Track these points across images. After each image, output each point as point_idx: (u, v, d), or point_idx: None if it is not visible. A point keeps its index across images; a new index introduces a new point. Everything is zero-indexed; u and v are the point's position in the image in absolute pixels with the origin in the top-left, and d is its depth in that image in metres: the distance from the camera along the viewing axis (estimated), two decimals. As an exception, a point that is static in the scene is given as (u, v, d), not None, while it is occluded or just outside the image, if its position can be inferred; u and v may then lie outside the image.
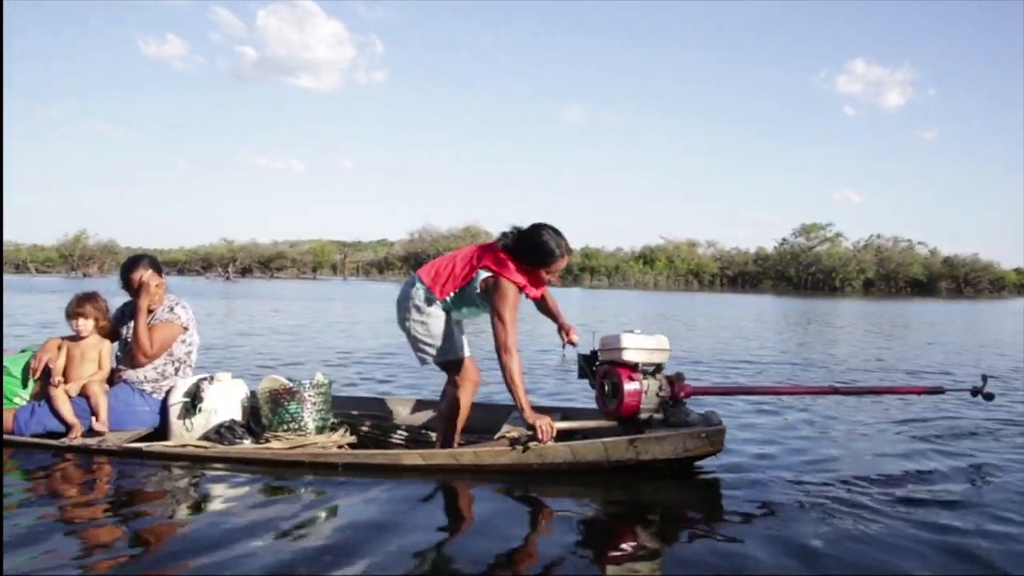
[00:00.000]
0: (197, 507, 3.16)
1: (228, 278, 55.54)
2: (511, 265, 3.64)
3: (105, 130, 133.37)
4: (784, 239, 74.32)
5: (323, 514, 3.09)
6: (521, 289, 3.70)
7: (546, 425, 3.51)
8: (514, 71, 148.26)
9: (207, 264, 66.73)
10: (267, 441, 3.84)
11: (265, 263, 70.68)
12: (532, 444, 3.55)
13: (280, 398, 3.95)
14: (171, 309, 4.21)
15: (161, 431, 4.09)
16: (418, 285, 3.80)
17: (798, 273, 70.64)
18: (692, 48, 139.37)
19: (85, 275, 52.00)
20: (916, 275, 68.35)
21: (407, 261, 68.91)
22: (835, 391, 4.49)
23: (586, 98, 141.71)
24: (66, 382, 4.06)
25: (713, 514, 3.27)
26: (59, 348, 4.16)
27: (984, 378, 4.42)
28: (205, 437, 3.90)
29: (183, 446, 3.82)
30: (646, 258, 75.89)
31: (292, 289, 37.27)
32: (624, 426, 3.80)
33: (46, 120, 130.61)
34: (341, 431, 4.04)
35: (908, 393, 4.93)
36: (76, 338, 4.18)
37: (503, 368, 3.51)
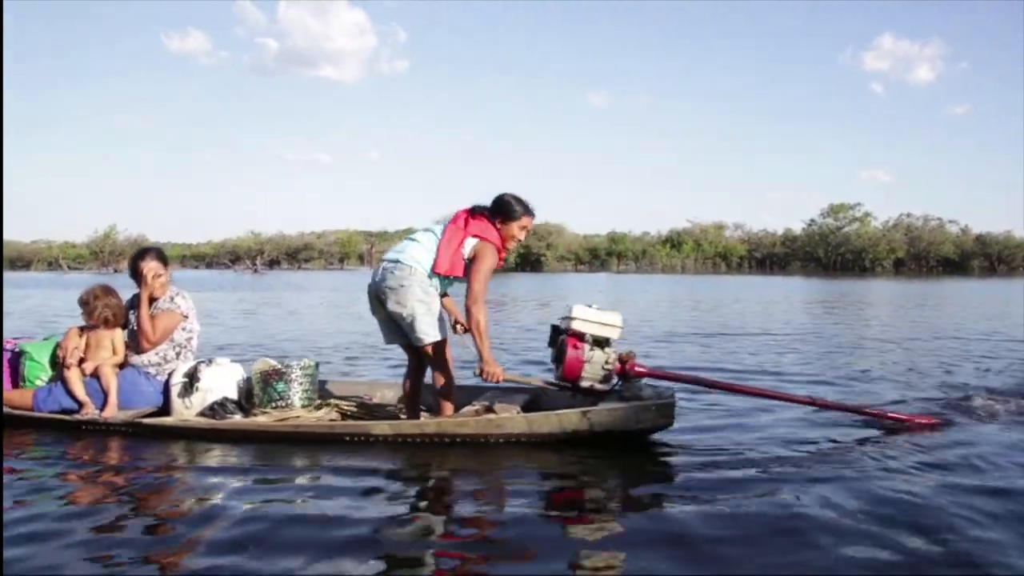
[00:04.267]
0: (189, 475, 3.54)
1: (256, 270, 56.57)
2: (492, 227, 4.08)
3: (133, 126, 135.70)
4: (812, 220, 74.01)
5: (301, 480, 3.46)
6: (499, 250, 4.09)
7: (498, 370, 3.92)
8: (538, 57, 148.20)
9: (235, 257, 68.13)
10: (255, 416, 4.22)
11: (292, 255, 71.95)
12: (491, 414, 3.89)
13: (269, 378, 4.34)
14: (172, 299, 4.61)
15: (165, 409, 4.49)
16: (415, 266, 4.01)
17: (827, 254, 70.29)
18: (716, 30, 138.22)
19: (115, 271, 53.12)
20: (948, 254, 67.67)
21: (433, 250, 69.40)
22: (811, 403, 4.37)
23: (611, 83, 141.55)
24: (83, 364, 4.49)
25: (662, 486, 3.47)
26: (80, 335, 4.59)
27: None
28: (201, 414, 4.29)
29: (182, 421, 4.22)
30: (673, 242, 75.94)
31: (317, 280, 37.93)
32: (573, 391, 4.09)
33: (74, 116, 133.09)
34: (325, 409, 4.41)
35: (905, 422, 4.36)
36: (92, 327, 4.59)
37: (473, 317, 3.90)
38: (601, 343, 4.08)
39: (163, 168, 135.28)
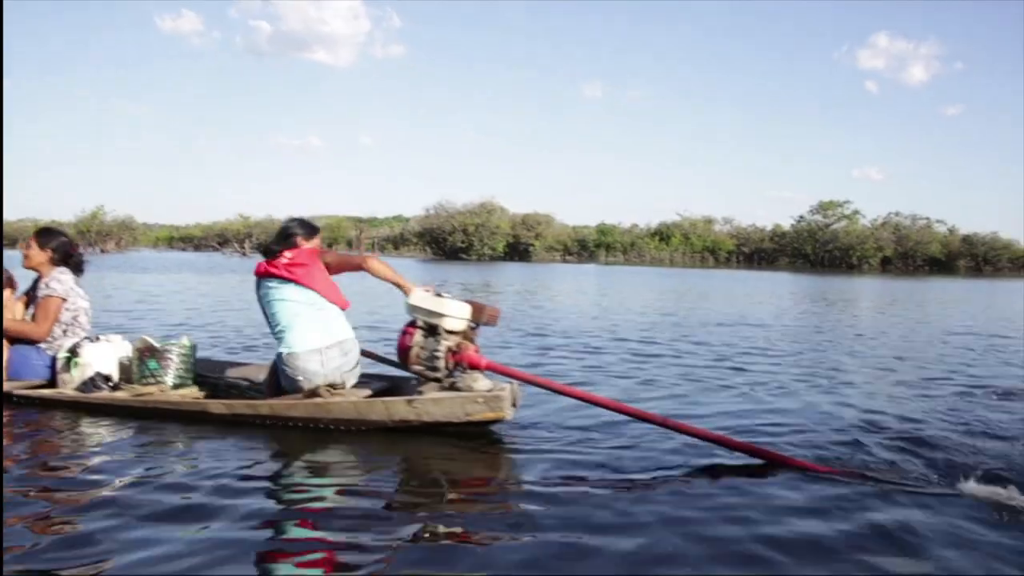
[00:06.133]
0: (53, 443, 3.96)
1: (244, 254, 56.67)
2: (302, 245, 4.65)
3: (124, 106, 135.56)
4: (801, 216, 74.20)
5: (137, 452, 3.81)
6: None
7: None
8: (533, 47, 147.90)
9: (223, 240, 68.24)
10: (119, 391, 4.59)
11: (283, 239, 71.90)
12: (318, 399, 4.16)
13: (144, 355, 4.70)
14: (48, 284, 4.95)
15: (53, 382, 4.86)
16: (352, 335, 4.46)
17: (815, 250, 70.57)
18: (711, 24, 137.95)
19: (102, 251, 53.16)
20: (934, 253, 67.99)
21: (422, 237, 69.71)
22: (663, 424, 3.97)
23: (606, 75, 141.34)
24: None
25: (492, 479, 3.57)
26: None
27: None
28: (78, 388, 4.65)
29: (53, 392, 4.59)
30: (662, 235, 76.10)
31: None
32: (418, 377, 4.32)
33: (66, 96, 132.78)
34: (191, 388, 4.76)
35: (775, 461, 3.71)
36: None
37: (376, 269, 4.33)
38: (432, 330, 4.16)
39: (154, 149, 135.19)
